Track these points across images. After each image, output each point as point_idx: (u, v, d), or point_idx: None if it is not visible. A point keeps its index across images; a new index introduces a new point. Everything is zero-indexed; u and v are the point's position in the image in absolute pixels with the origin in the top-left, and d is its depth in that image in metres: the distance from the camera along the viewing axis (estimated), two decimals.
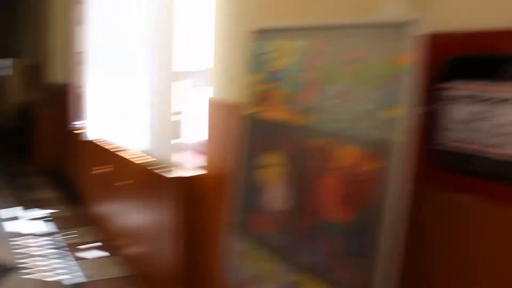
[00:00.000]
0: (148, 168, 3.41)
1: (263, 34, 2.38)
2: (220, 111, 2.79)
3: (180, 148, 3.22)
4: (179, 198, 3.01)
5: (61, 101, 6.95)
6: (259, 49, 2.38)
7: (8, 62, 11.16)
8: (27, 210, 5.74)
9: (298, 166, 2.12)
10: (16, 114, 10.26)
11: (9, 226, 5.08)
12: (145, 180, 3.51)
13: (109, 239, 4.61)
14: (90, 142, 4.75)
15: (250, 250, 2.37)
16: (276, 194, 2.24)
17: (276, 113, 2.25)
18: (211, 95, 2.92)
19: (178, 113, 3.21)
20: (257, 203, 2.35)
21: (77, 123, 5.28)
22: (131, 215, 3.90)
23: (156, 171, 3.25)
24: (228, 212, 2.57)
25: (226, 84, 2.75)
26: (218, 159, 2.82)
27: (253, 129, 2.40)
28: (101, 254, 4.47)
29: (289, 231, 2.15)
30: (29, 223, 5.22)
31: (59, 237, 4.87)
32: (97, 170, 4.70)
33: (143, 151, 3.53)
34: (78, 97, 5.18)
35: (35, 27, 9.90)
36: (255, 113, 2.39)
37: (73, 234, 4.98)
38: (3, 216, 5.44)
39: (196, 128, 3.30)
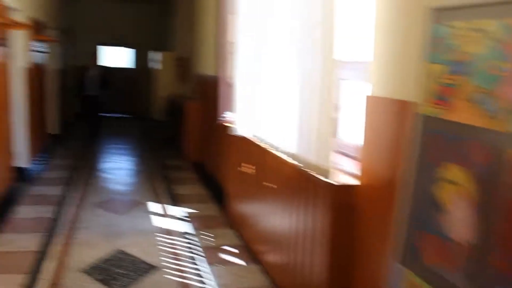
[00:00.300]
0: (300, 169, 3.06)
1: (445, 12, 1.88)
2: (382, 111, 2.33)
3: (336, 150, 2.81)
4: (333, 207, 2.63)
5: (210, 93, 6.97)
6: (439, 32, 1.88)
7: (158, 55, 11.70)
8: (171, 205, 5.82)
9: (492, 183, 1.61)
10: (166, 107, 10.71)
11: (155, 221, 5.13)
12: (295, 182, 3.18)
13: (249, 244, 4.40)
14: (238, 137, 4.52)
15: (420, 286, 1.91)
16: (458, 219, 1.74)
17: (461, 114, 1.75)
18: (370, 91, 2.47)
19: (336, 108, 2.80)
20: (432, 225, 1.87)
21: (226, 117, 5.12)
22: (276, 219, 3.61)
23: (309, 173, 2.89)
24: (394, 232, 2.12)
25: (391, 78, 2.28)
26: (378, 167, 2.37)
27: (429, 134, 1.92)
28: (239, 260, 4.24)
29: (476, 274, 1.64)
30: (171, 220, 5.22)
31: (197, 237, 4.78)
32: (244, 168, 4.52)
33: (294, 151, 3.18)
34: (228, 90, 5.01)
35: (186, 19, 10.17)
36: (432, 114, 1.90)
37: (212, 236, 4.83)
38: (152, 210, 5.56)
39: (352, 128, 2.86)
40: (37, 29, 7.57)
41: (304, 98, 2.97)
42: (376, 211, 2.40)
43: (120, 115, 15.02)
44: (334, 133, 2.82)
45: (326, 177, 2.71)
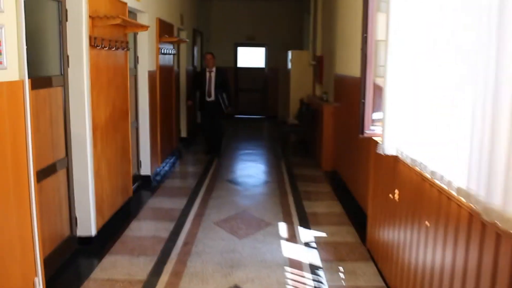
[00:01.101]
0: (474, 213, 2.09)
1: None
2: None
3: None
4: None
5: (351, 97, 6.08)
6: None
7: (292, 54, 11.00)
8: (301, 226, 5.03)
9: None
10: (299, 109, 9.97)
11: (281, 249, 4.38)
12: (464, 227, 2.20)
13: (395, 283, 3.43)
14: (387, 157, 3.58)
15: None
16: None
17: None
18: None
19: None
20: None
21: (371, 128, 4.20)
22: (432, 259, 2.64)
23: (486, 221, 1.92)
24: None
25: None
26: None
27: None
28: None
29: None
30: (300, 248, 4.43)
31: (327, 273, 3.93)
32: (395, 196, 3.57)
33: (465, 186, 2.19)
34: (375, 95, 4.09)
35: (325, 16, 9.36)
36: None
37: (346, 271, 3.98)
38: (278, 233, 4.82)
39: None
40: (165, 30, 7.27)
41: (487, 116, 1.95)
42: None
43: (251, 116, 14.69)
44: None
45: None
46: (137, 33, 6.16)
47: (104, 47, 4.31)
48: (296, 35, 13.79)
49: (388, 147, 3.55)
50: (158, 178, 6.85)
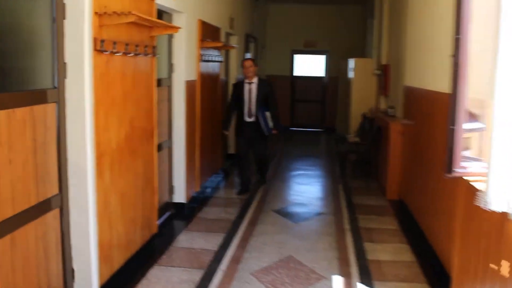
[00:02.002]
0: None
1: None
2: None
3: None
4: None
5: (427, 114, 4.93)
6: None
7: (353, 62, 9.84)
8: (362, 282, 3.93)
9: None
10: (361, 123, 8.80)
11: None
12: None
13: None
14: (491, 212, 2.42)
15: None
16: None
17: None
18: None
19: None
20: None
21: (462, 163, 3.02)
22: None
23: None
24: None
25: None
26: None
27: None
28: None
29: None
30: None
31: None
32: (497, 267, 2.44)
33: None
34: (465, 115, 2.93)
35: (393, 20, 8.22)
36: None
37: None
38: None
39: None
40: (210, 34, 6.36)
41: None
42: None
43: (307, 129, 13.60)
44: None
45: None
46: (172, 37, 5.26)
47: (117, 52, 3.40)
48: (358, 42, 12.61)
49: (496, 200, 2.38)
50: (195, 205, 5.92)
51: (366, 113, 8.95)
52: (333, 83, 13.10)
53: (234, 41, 8.49)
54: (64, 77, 3.09)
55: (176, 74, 5.37)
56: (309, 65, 13.65)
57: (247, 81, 6.38)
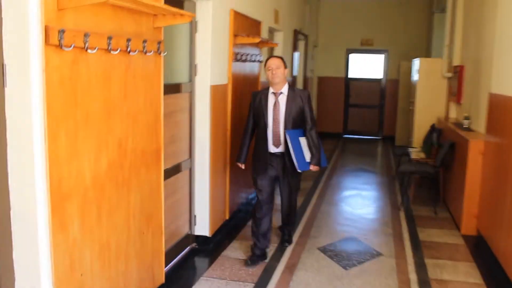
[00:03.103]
0: None
1: None
2: None
3: None
4: None
5: None
6: None
7: (418, 63, 8.47)
8: None
9: None
10: (428, 136, 7.44)
11: None
12: None
13: None
14: None
15: None
16: None
17: None
18: None
19: None
20: None
21: None
22: None
23: None
24: None
25: None
26: None
27: None
28: None
29: None
30: None
31: None
32: None
33: None
34: None
35: (470, 14, 6.89)
36: None
37: None
38: None
39: None
40: (246, 28, 5.27)
41: None
42: None
43: (362, 137, 12.28)
44: None
45: None
46: (194, 30, 4.21)
47: (91, 48, 2.35)
48: (421, 40, 11.20)
49: None
50: (222, 238, 4.84)
51: (435, 124, 7.59)
52: (392, 86, 11.74)
53: (279, 38, 7.37)
54: (3, 85, 2.08)
55: (200, 78, 4.31)
56: (366, 66, 12.31)
57: (272, 90, 4.21)
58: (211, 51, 4.31)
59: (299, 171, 4.26)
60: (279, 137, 4.23)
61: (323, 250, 4.65)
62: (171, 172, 4.00)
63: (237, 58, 4.99)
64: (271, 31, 6.97)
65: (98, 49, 2.40)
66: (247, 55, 5.32)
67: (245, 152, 4.44)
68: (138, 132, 2.97)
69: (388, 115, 11.93)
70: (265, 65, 4.26)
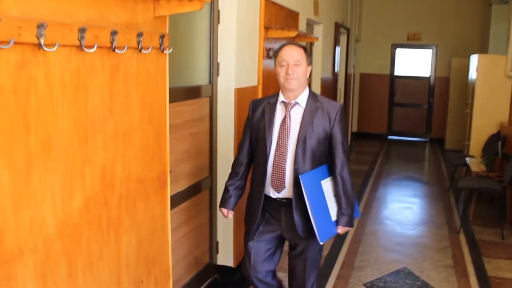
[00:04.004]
0: None
1: None
2: None
3: None
4: None
5: None
6: None
7: (474, 59, 7.48)
8: None
9: None
10: (490, 144, 6.50)
11: None
12: None
13: None
14: None
15: None
16: None
17: None
18: None
19: None
20: None
21: None
22: None
23: None
24: None
25: None
26: None
27: None
28: None
29: None
30: None
31: None
32: None
33: None
34: None
35: None
36: None
37: None
38: None
39: None
40: (281, 19, 4.50)
41: None
42: None
43: (408, 138, 11.33)
44: None
45: None
46: (216, 21, 3.47)
47: (47, 45, 1.63)
48: (475, 34, 10.16)
49: None
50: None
51: (499, 129, 6.63)
52: (442, 85, 10.75)
53: (319, 31, 6.56)
54: None
55: (223, 79, 3.57)
56: (412, 63, 11.32)
57: (282, 98, 2.69)
58: (237, 46, 3.56)
59: (320, 241, 2.59)
60: (283, 176, 2.61)
61: (371, 287, 3.85)
62: (186, 195, 3.29)
63: (269, 55, 4.23)
64: (310, 23, 6.17)
65: (60, 45, 1.68)
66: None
67: (234, 195, 2.83)
68: (131, 155, 2.24)
69: (437, 116, 10.95)
70: (275, 56, 2.67)
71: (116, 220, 2.17)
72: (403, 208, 6.03)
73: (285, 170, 2.61)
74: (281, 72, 2.60)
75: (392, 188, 7.05)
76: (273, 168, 2.63)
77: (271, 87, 4.35)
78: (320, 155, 2.64)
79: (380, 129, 11.43)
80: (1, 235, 1.56)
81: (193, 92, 3.29)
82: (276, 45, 4.34)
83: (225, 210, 2.85)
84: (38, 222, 1.71)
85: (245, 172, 2.86)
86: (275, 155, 2.63)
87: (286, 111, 2.64)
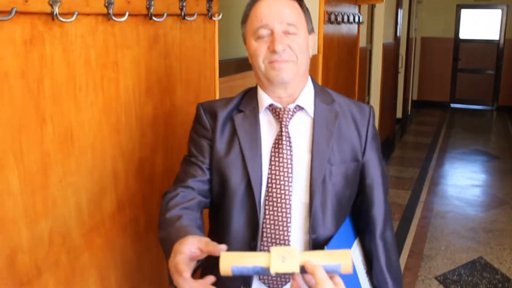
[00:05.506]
0: None
1: None
2: None
3: None
4: None
5: None
6: None
7: None
8: None
9: None
10: None
11: None
12: None
13: None
14: None
15: None
16: None
17: None
18: None
19: None
20: None
21: None
22: None
23: None
24: None
25: None
26: None
27: None
28: None
29: None
30: None
31: None
32: None
33: None
34: None
35: None
36: None
37: None
38: None
39: None
40: None
41: None
42: None
43: (473, 106, 10.57)
44: None
45: None
46: None
47: (63, 14, 1.28)
48: None
49: None
50: None
51: None
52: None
53: None
54: None
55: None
56: (479, 25, 10.43)
57: (269, 101, 1.40)
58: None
59: None
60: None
61: (443, 281, 3.43)
62: None
63: (331, 19, 3.76)
64: None
65: (80, 14, 1.32)
66: (343, 14, 4.06)
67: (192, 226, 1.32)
68: (174, 144, 1.89)
69: (506, 82, 10.11)
70: (243, 19, 1.42)
71: (156, 222, 1.84)
72: (473, 187, 5.50)
73: (285, 233, 1.35)
74: (260, 49, 1.34)
75: (459, 164, 6.47)
76: (262, 246, 1.35)
77: (333, 56, 3.89)
78: (347, 205, 1.45)
79: (443, 96, 10.70)
80: (12, 254, 1.25)
81: (246, 64, 2.90)
82: (338, 9, 3.86)
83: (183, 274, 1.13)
84: (59, 233, 1.40)
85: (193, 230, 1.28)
86: (265, 218, 1.34)
87: (281, 125, 1.38)
